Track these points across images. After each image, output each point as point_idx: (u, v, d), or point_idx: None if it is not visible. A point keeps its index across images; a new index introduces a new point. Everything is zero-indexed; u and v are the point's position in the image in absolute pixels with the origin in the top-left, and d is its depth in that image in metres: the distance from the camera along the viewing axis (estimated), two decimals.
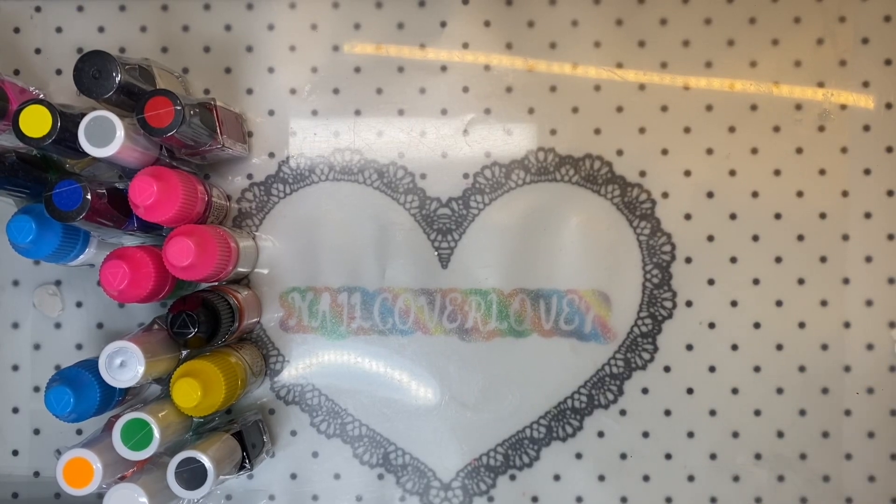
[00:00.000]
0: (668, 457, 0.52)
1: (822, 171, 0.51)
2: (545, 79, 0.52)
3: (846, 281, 0.51)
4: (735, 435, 0.52)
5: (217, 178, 0.53)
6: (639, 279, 0.52)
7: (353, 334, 0.53)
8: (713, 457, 0.52)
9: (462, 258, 0.53)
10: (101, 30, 0.53)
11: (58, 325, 0.54)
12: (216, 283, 0.51)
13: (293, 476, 0.53)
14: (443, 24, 0.52)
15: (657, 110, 0.52)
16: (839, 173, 0.51)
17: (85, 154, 0.43)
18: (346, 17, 0.53)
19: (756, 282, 0.52)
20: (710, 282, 0.52)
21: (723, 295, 0.52)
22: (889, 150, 0.51)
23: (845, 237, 0.51)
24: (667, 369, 0.52)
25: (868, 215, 0.51)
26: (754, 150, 0.52)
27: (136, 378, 0.44)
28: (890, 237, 0.51)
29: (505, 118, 0.52)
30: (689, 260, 0.52)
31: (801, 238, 0.51)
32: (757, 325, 0.52)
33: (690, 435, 0.52)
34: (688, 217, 0.52)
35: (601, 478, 0.52)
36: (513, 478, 0.53)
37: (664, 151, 0.52)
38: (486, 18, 0.52)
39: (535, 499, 0.53)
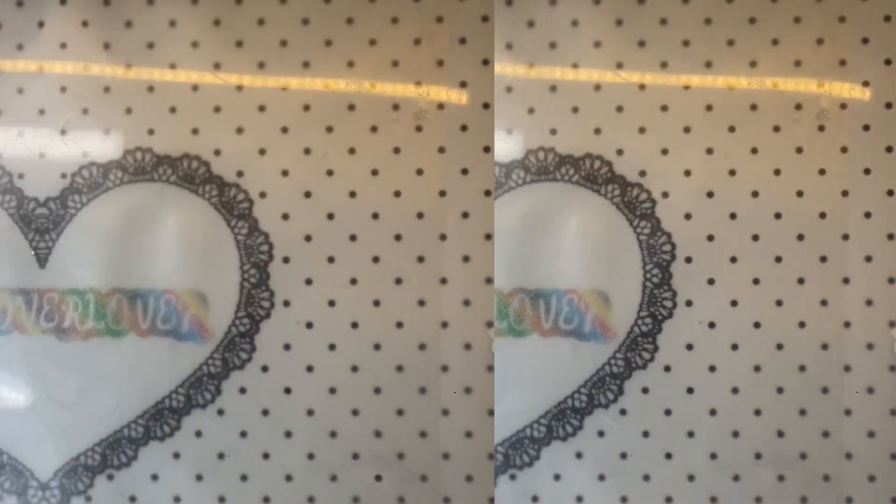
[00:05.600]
0: (669, 456, 0.52)
1: (822, 171, 0.51)
2: (545, 78, 0.52)
3: (846, 280, 0.51)
4: (735, 434, 0.52)
5: None
6: (639, 279, 0.52)
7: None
8: (713, 456, 0.52)
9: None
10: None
11: None
12: None
13: None
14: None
15: (657, 110, 0.52)
16: (839, 173, 0.51)
17: None
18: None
19: (756, 281, 0.52)
20: (711, 281, 0.52)
21: (723, 294, 0.52)
22: (889, 149, 0.51)
23: (845, 237, 0.51)
24: (667, 369, 0.52)
25: (868, 215, 0.51)
26: (754, 150, 0.52)
27: None
28: (890, 237, 0.51)
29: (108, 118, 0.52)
30: (689, 259, 0.52)
31: (801, 238, 0.51)
32: (757, 325, 0.52)
33: (691, 434, 0.52)
34: (688, 217, 0.52)
35: (601, 477, 0.52)
36: (513, 477, 0.52)
37: (664, 151, 0.52)
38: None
39: (535, 498, 0.52)
